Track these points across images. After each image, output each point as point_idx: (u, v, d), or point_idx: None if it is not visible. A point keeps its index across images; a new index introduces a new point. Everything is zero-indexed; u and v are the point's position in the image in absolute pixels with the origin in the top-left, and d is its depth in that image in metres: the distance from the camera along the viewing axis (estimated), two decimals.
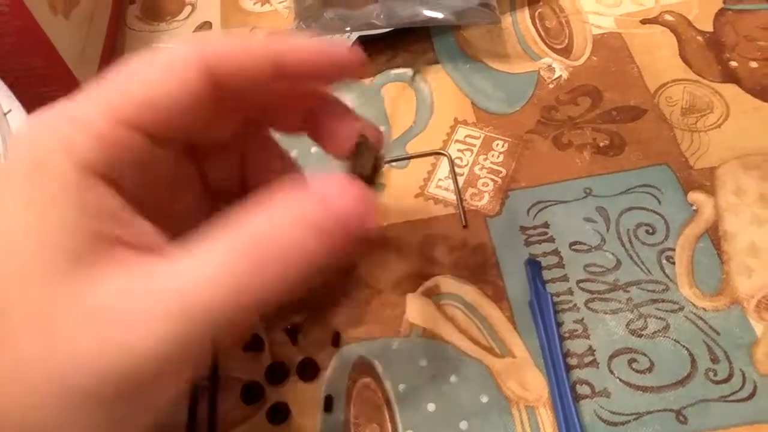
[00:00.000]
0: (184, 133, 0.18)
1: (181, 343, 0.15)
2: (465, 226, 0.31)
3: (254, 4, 0.43)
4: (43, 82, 0.35)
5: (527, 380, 0.27)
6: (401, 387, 0.27)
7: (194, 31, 0.41)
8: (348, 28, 0.37)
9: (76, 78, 0.35)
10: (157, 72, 0.16)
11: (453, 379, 0.27)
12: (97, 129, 0.16)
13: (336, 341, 0.28)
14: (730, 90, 0.35)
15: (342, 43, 0.19)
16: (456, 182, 0.33)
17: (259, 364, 0.28)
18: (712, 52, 0.37)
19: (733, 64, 0.36)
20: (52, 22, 0.33)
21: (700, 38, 0.37)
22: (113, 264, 0.15)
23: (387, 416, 0.26)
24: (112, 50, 0.41)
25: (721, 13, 0.39)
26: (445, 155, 0.34)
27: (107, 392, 0.15)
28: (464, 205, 0.32)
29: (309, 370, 0.28)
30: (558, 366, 0.26)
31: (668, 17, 0.39)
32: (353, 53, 0.19)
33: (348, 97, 0.37)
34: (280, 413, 0.27)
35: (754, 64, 0.36)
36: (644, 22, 0.39)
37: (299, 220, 0.16)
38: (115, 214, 0.16)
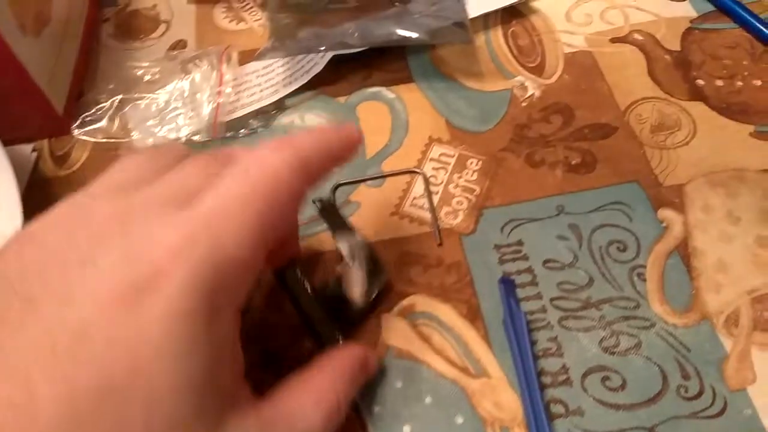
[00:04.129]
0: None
1: None
2: (440, 245, 0.31)
3: (229, 22, 0.43)
4: (12, 102, 0.34)
5: (502, 400, 0.27)
6: (376, 409, 0.27)
7: (168, 50, 0.41)
8: (323, 47, 0.37)
9: (47, 97, 0.35)
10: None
11: (428, 400, 0.27)
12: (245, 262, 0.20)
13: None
14: (697, 108, 0.36)
15: (344, 125, 0.25)
16: (431, 201, 0.33)
17: None
18: (680, 71, 0.38)
19: (700, 82, 0.37)
20: (21, 42, 0.33)
21: (668, 57, 0.38)
22: (236, 411, 0.19)
23: None
24: (85, 68, 0.40)
25: (688, 32, 0.39)
26: (419, 173, 0.34)
27: None
28: (439, 223, 0.32)
29: None
30: (532, 385, 0.26)
31: (637, 36, 0.39)
32: (356, 131, 0.25)
33: (323, 115, 0.37)
34: None
35: (719, 83, 0.37)
36: (614, 40, 0.39)
37: None
38: (236, 350, 0.21)
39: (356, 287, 0.28)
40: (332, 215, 0.30)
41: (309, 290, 0.27)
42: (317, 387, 0.23)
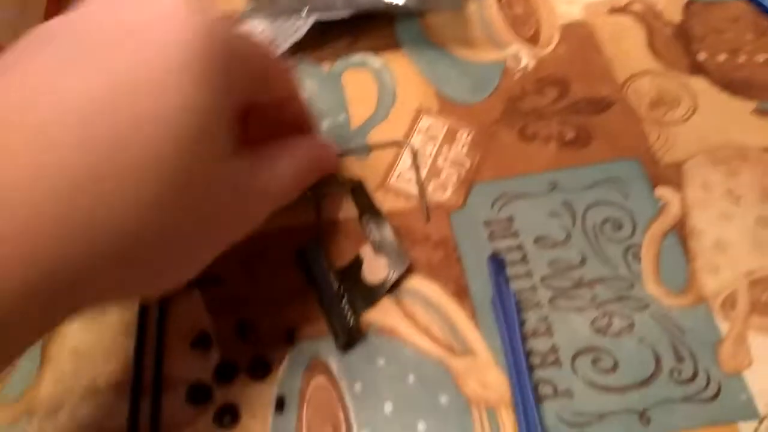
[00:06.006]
0: None
1: None
2: (427, 220, 0.30)
3: None
4: None
5: (488, 380, 0.26)
6: (357, 387, 0.26)
7: None
8: (305, 10, 0.35)
9: None
10: None
11: (411, 378, 0.26)
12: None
13: (290, 338, 0.27)
14: (699, 83, 0.34)
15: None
16: (418, 174, 0.31)
17: (207, 362, 0.26)
18: (681, 44, 0.36)
19: (702, 56, 0.35)
20: None
21: (668, 29, 0.37)
22: (238, 147, 0.22)
23: (342, 417, 0.25)
24: None
25: (689, 4, 0.38)
26: (407, 146, 0.32)
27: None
28: (427, 198, 0.31)
29: (260, 369, 0.26)
30: (520, 366, 0.25)
31: (637, 7, 0.38)
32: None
33: (306, 82, 0.35)
34: (228, 415, 0.25)
35: (722, 57, 0.35)
36: (612, 11, 0.38)
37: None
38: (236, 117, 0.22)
39: (378, 274, 0.28)
40: (362, 197, 0.30)
41: (329, 272, 0.28)
42: (293, 152, 0.25)
